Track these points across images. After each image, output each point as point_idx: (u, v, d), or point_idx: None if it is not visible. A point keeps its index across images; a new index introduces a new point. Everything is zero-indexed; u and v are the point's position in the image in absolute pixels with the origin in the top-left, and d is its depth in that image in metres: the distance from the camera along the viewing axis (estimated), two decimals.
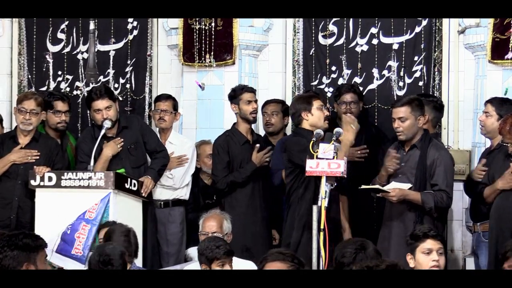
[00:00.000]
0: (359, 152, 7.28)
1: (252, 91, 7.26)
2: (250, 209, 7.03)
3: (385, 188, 6.34)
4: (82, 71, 8.53)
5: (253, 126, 7.39)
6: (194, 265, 6.56)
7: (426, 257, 5.17)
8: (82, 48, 8.54)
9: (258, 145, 7.08)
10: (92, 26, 8.30)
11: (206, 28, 7.95)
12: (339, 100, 7.40)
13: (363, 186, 6.31)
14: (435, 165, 6.28)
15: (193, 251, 7.24)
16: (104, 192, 6.50)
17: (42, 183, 6.62)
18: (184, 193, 7.47)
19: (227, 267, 5.65)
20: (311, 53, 8.07)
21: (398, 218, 6.35)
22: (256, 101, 7.26)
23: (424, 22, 7.75)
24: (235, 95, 7.21)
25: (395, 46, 7.83)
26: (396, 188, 6.31)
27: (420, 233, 5.21)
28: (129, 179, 6.67)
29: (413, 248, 5.26)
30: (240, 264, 6.06)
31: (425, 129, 6.51)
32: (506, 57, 7.21)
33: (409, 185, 6.33)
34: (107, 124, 6.83)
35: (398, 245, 6.22)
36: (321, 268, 5.76)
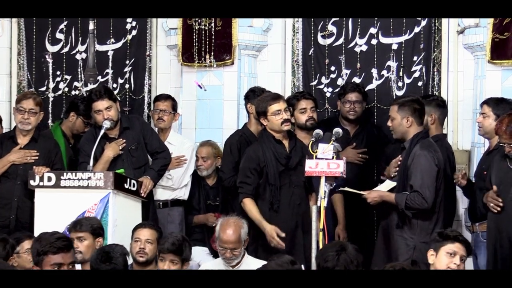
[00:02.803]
0: (360, 155, 7.29)
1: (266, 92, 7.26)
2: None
3: (378, 188, 6.40)
4: (81, 71, 8.53)
5: None
6: (193, 265, 6.58)
7: (448, 258, 5.21)
8: (81, 48, 8.54)
9: (244, 156, 7.07)
10: (91, 26, 8.29)
11: (206, 28, 7.95)
12: (344, 99, 7.41)
13: (340, 189, 6.35)
14: (412, 165, 6.23)
15: (192, 251, 7.24)
16: (103, 192, 6.49)
17: (41, 183, 6.61)
18: (183, 193, 7.47)
19: (165, 266, 5.76)
20: (310, 53, 8.07)
21: (391, 216, 6.35)
22: None
23: (423, 22, 7.75)
24: (253, 96, 7.21)
25: (394, 46, 7.84)
26: (372, 190, 6.36)
27: (451, 234, 5.30)
28: (128, 179, 6.66)
29: (438, 245, 5.32)
30: (254, 263, 6.03)
31: (422, 131, 6.48)
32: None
33: (393, 184, 6.34)
34: (106, 124, 6.82)
35: (388, 243, 6.30)
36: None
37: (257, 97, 7.13)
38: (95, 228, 6.03)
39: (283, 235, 6.26)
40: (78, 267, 6.27)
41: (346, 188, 6.33)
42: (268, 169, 6.48)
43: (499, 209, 6.05)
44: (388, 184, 6.39)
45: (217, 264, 6.14)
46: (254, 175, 6.49)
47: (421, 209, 6.16)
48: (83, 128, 7.58)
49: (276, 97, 6.65)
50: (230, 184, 7.05)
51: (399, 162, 6.36)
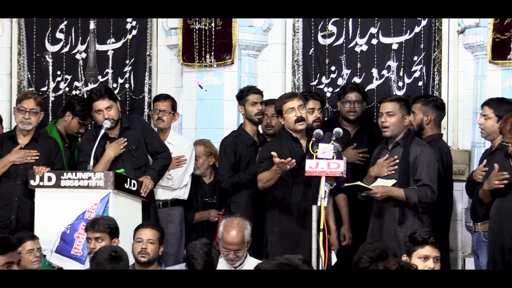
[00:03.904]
0: (360, 155, 7.28)
1: (259, 92, 7.27)
2: (256, 210, 7.01)
3: (371, 185, 6.37)
4: (81, 71, 8.53)
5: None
6: None
7: (422, 262, 5.17)
8: (81, 48, 8.54)
9: (260, 148, 7.08)
10: (92, 25, 8.30)
11: (206, 28, 7.95)
12: (343, 99, 7.41)
13: (346, 184, 6.32)
14: (418, 160, 6.32)
15: None
16: (103, 192, 6.49)
17: (41, 183, 6.61)
18: (183, 193, 7.47)
19: None
20: (310, 53, 8.07)
21: (388, 213, 6.37)
22: (262, 102, 7.26)
23: (424, 22, 7.75)
24: (242, 96, 7.24)
25: (395, 46, 7.84)
26: (379, 185, 6.34)
27: (419, 238, 5.21)
28: (128, 179, 6.66)
29: (410, 251, 5.26)
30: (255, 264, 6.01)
31: (409, 129, 6.55)
32: (508, 57, 7.21)
33: (393, 181, 6.35)
34: (107, 124, 6.82)
35: (390, 241, 6.24)
36: (320, 268, 5.77)
37: (245, 97, 7.17)
38: (113, 228, 6.05)
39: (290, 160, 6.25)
40: (70, 261, 6.29)
41: (358, 182, 6.30)
42: None
43: (506, 181, 6.02)
44: (389, 182, 6.38)
45: (219, 264, 6.12)
46: (269, 160, 6.48)
47: (430, 202, 6.25)
48: (78, 128, 7.58)
49: (291, 95, 6.68)
50: (227, 186, 7.10)
51: (397, 161, 6.37)
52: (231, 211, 7.06)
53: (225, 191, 7.20)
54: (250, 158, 7.12)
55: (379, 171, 6.47)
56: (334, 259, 6.55)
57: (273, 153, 6.29)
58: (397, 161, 6.39)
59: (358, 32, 7.93)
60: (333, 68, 8.01)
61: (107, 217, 6.22)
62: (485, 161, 6.47)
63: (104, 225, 6.01)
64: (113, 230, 6.04)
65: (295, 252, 5.80)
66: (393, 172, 6.40)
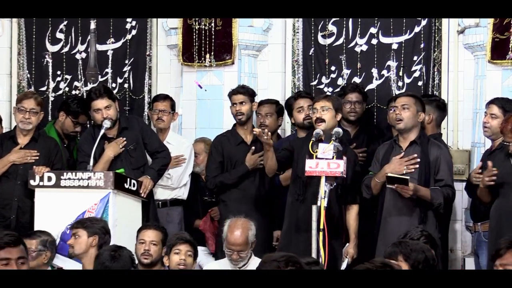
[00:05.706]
0: (360, 154, 7.27)
1: (239, 92, 7.15)
2: (245, 209, 6.98)
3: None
4: (81, 71, 8.53)
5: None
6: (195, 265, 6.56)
7: None
8: (81, 47, 8.54)
9: (253, 147, 7.05)
10: (92, 25, 8.30)
11: (206, 28, 7.95)
12: (344, 100, 7.39)
13: (390, 174, 6.20)
14: (439, 161, 6.33)
15: None
16: (103, 192, 6.49)
17: (41, 183, 6.61)
18: (182, 193, 7.48)
19: (182, 256, 5.88)
20: (310, 53, 8.07)
21: (407, 214, 6.31)
22: (242, 102, 7.10)
23: (424, 22, 7.75)
24: (229, 97, 7.24)
25: (395, 46, 7.84)
26: (411, 183, 6.27)
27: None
28: (128, 179, 6.66)
29: None
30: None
31: (421, 128, 6.54)
32: (507, 57, 7.21)
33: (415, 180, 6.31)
34: (106, 123, 6.82)
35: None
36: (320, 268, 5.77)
37: (230, 98, 7.16)
38: (89, 225, 6.04)
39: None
40: (70, 261, 6.30)
41: (389, 174, 6.22)
42: (298, 161, 6.46)
43: (494, 178, 6.09)
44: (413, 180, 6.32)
45: (223, 265, 6.11)
46: (284, 151, 6.51)
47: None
48: (72, 127, 7.59)
49: (322, 97, 6.66)
50: (212, 186, 7.11)
51: (418, 160, 6.32)
52: (220, 211, 7.09)
53: (210, 191, 7.21)
54: (238, 158, 7.08)
55: (395, 169, 6.35)
56: (343, 266, 6.50)
57: (256, 129, 6.41)
58: (418, 160, 6.32)
59: (358, 32, 7.93)
60: (333, 68, 8.01)
61: (91, 217, 6.24)
62: (480, 163, 6.45)
63: (83, 223, 6.04)
64: (91, 228, 6.02)
65: (297, 250, 5.79)
66: (413, 170, 6.31)
